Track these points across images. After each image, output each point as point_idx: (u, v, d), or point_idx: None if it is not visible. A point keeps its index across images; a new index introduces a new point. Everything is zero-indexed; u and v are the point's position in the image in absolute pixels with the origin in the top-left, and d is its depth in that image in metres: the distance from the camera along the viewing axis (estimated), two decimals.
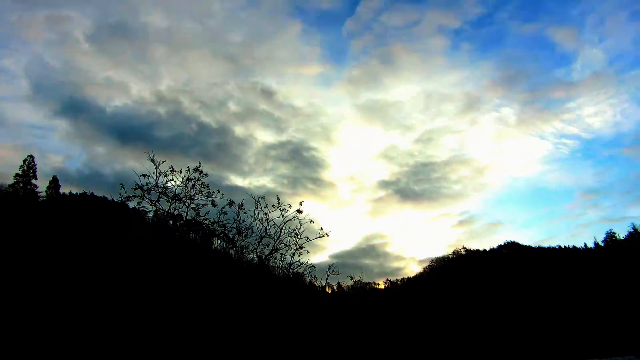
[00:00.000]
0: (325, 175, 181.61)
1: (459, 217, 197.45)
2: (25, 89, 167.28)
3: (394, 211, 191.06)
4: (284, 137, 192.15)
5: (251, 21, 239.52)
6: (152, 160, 14.83)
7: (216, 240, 17.22)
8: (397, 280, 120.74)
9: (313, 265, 17.81)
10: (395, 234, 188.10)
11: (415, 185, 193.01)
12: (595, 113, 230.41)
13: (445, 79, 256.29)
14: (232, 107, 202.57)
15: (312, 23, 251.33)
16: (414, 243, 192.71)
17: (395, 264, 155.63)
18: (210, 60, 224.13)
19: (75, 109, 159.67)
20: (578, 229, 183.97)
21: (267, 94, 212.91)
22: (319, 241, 16.96)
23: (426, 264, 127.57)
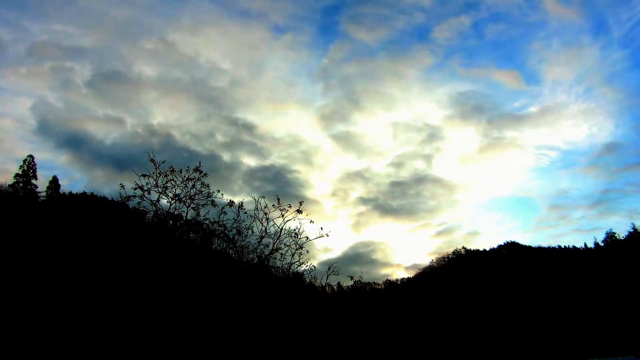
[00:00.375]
0: (309, 193, 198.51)
1: (437, 227, 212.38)
2: (32, 125, 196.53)
3: (375, 224, 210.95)
4: (267, 162, 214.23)
5: (232, 70, 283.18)
6: (152, 161, 14.83)
7: (216, 241, 17.21)
8: (397, 280, 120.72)
9: (313, 266, 17.85)
10: (379, 244, 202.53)
11: (392, 201, 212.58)
12: (571, 125, 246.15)
13: (409, 113, 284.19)
14: (219, 138, 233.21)
15: (286, 70, 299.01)
16: (397, 252, 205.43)
17: (383, 271, 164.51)
18: (196, 102, 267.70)
19: (77, 141, 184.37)
20: (551, 239, 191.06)
21: (249, 128, 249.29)
22: (309, 249, 17.14)
23: (413, 270, 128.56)
